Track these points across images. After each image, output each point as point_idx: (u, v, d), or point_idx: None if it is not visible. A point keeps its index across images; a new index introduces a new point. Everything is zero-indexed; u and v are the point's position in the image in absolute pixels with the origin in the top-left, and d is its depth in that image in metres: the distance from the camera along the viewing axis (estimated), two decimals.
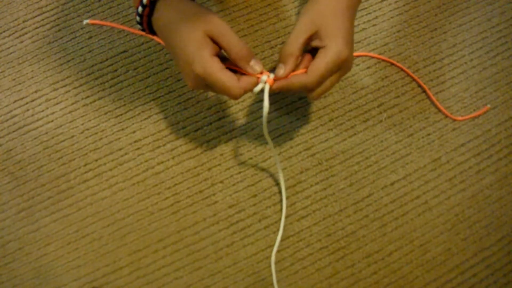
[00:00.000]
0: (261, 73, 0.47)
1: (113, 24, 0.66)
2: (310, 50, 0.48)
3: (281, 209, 0.60)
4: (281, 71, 0.47)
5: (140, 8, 0.47)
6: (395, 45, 0.66)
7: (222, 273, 0.58)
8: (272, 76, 0.47)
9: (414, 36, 0.67)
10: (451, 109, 0.64)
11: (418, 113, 0.64)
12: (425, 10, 0.68)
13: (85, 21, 0.65)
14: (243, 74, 0.47)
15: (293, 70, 0.47)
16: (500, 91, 0.65)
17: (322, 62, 0.45)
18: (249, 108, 0.63)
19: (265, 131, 0.51)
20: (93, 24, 0.66)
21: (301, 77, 0.46)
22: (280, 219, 0.60)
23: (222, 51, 0.47)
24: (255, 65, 0.47)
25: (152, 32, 0.50)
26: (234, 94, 0.45)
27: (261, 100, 0.64)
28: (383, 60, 0.66)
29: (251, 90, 0.47)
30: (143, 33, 0.66)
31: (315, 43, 0.47)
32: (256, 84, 0.47)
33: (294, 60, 0.46)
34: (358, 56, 0.66)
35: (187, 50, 0.45)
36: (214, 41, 0.46)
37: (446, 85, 0.65)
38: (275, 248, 0.58)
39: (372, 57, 0.66)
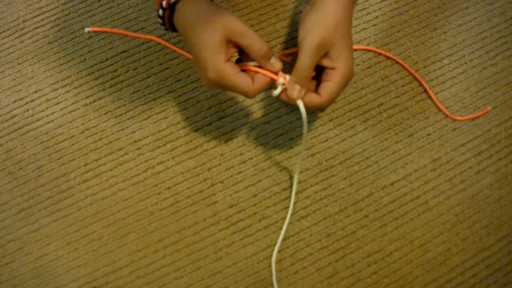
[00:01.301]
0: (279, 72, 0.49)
1: (115, 30, 0.65)
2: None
3: (281, 209, 0.60)
4: (296, 93, 0.48)
5: (160, 11, 0.48)
6: (395, 45, 0.66)
7: (222, 273, 0.58)
8: (288, 77, 0.48)
9: (414, 36, 0.67)
10: (451, 109, 0.64)
11: (418, 113, 0.64)
12: (425, 10, 0.68)
13: (86, 29, 0.65)
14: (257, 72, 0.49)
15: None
16: (500, 91, 0.65)
17: (336, 85, 0.47)
18: (249, 108, 0.63)
19: (304, 141, 0.53)
20: (95, 31, 0.66)
21: (316, 98, 0.48)
22: (280, 219, 0.60)
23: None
24: (275, 63, 0.48)
25: (176, 30, 0.51)
26: (250, 94, 0.48)
27: (262, 100, 0.64)
28: (387, 57, 0.66)
29: (266, 88, 0.48)
30: (142, 35, 0.66)
31: (325, 63, 0.48)
32: (271, 82, 0.49)
33: (308, 81, 0.48)
34: (361, 50, 0.66)
35: (202, 55, 0.46)
36: (234, 43, 0.47)
37: (446, 85, 0.65)
38: (276, 248, 0.58)
39: (378, 53, 0.66)
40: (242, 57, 0.50)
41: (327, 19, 0.47)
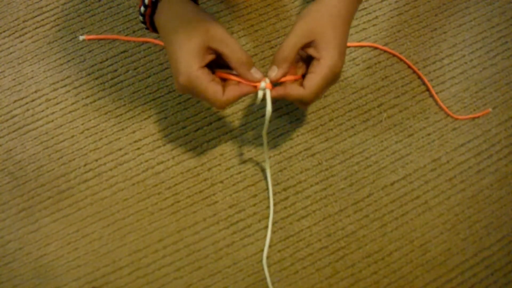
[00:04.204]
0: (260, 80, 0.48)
1: (109, 36, 0.65)
2: (305, 57, 0.49)
3: (281, 209, 0.60)
4: (273, 73, 0.47)
5: (142, 8, 0.47)
6: (395, 45, 0.66)
7: (222, 273, 0.58)
8: (267, 80, 0.48)
9: (414, 36, 0.67)
10: (451, 109, 0.64)
11: (418, 113, 0.64)
12: (425, 10, 0.68)
13: (81, 37, 0.64)
14: (233, 83, 0.47)
15: (285, 75, 0.48)
16: (500, 91, 0.65)
17: (319, 77, 0.46)
18: (249, 108, 0.63)
19: (264, 133, 0.52)
20: (89, 40, 0.65)
21: (298, 90, 0.47)
22: (280, 218, 0.60)
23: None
24: (255, 73, 0.47)
25: (156, 31, 0.50)
26: (217, 105, 0.46)
27: (262, 100, 0.64)
28: (392, 54, 0.66)
29: (235, 101, 0.47)
30: (140, 38, 0.66)
31: (310, 52, 0.47)
32: (247, 93, 0.47)
33: (287, 65, 0.47)
34: (364, 46, 0.66)
35: (177, 58, 0.45)
36: (213, 50, 0.46)
37: (446, 85, 0.65)
38: (265, 249, 0.58)
39: (382, 50, 0.66)
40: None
41: (323, 7, 0.46)
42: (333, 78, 0.47)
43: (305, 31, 0.46)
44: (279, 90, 0.48)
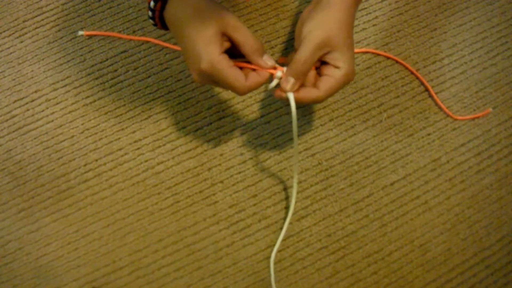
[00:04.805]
0: (274, 68, 0.48)
1: (108, 33, 0.65)
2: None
3: (281, 209, 0.60)
4: (289, 85, 0.47)
5: (152, 3, 0.47)
6: (395, 45, 0.66)
7: (222, 273, 0.58)
8: (284, 70, 0.48)
9: (414, 36, 0.67)
10: (451, 109, 0.64)
11: (418, 113, 0.64)
12: (425, 10, 0.68)
13: (80, 32, 0.64)
14: (251, 71, 0.48)
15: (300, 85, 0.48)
16: (500, 91, 0.65)
17: (336, 83, 0.47)
18: (249, 108, 0.63)
19: (295, 135, 0.51)
20: (88, 35, 0.65)
21: (313, 93, 0.47)
22: (280, 219, 0.60)
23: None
24: (267, 60, 0.47)
25: (164, 27, 0.50)
26: (241, 91, 0.46)
27: (262, 101, 0.64)
28: (387, 57, 0.66)
29: (257, 88, 0.47)
30: (140, 38, 0.66)
31: (327, 59, 0.47)
32: (266, 79, 0.47)
33: (305, 77, 0.48)
34: (362, 53, 0.66)
35: (196, 46, 0.45)
36: (228, 36, 0.46)
37: (446, 85, 0.65)
38: (275, 248, 0.58)
39: (378, 54, 0.66)
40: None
41: (332, 19, 0.47)
42: (347, 84, 0.49)
43: (321, 43, 0.46)
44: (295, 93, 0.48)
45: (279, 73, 0.47)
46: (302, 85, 0.48)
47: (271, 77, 0.48)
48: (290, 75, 0.47)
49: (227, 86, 0.46)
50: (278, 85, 0.48)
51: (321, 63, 0.49)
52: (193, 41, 0.45)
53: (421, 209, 0.60)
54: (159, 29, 0.51)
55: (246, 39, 0.46)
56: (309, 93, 0.47)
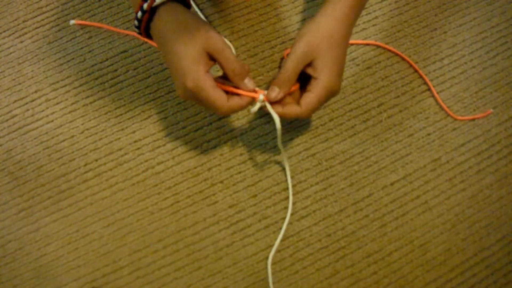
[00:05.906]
0: (255, 91, 0.49)
1: (100, 25, 0.65)
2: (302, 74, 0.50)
3: (281, 209, 0.60)
4: (274, 94, 0.49)
5: (139, 14, 0.47)
6: (395, 45, 0.66)
7: (222, 273, 0.58)
8: (265, 92, 0.49)
9: (414, 36, 0.67)
10: (451, 109, 0.64)
11: (418, 113, 0.64)
12: (425, 10, 0.68)
13: (71, 21, 0.64)
14: (233, 94, 0.49)
15: (285, 95, 0.49)
16: (500, 91, 0.65)
17: (315, 97, 0.48)
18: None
19: (279, 142, 0.54)
20: (79, 25, 0.66)
21: (295, 109, 0.49)
22: (280, 218, 0.60)
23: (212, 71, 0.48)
24: (248, 83, 0.49)
25: (149, 36, 0.50)
26: (222, 111, 0.47)
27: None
28: (394, 53, 0.66)
29: (238, 110, 0.49)
30: (139, 36, 0.66)
31: (309, 71, 0.49)
32: (247, 103, 0.49)
33: (289, 86, 0.49)
34: (368, 45, 0.66)
35: (182, 63, 0.46)
36: (211, 57, 0.47)
37: (446, 85, 0.65)
38: (273, 249, 0.58)
39: (384, 49, 0.66)
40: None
41: (318, 29, 0.48)
42: (330, 96, 0.49)
43: (304, 53, 0.47)
44: (277, 109, 0.50)
45: (261, 96, 0.49)
46: (288, 103, 0.50)
47: (254, 101, 0.50)
48: (275, 85, 0.49)
49: (208, 105, 0.47)
50: (261, 109, 0.50)
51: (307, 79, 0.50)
52: (179, 58, 0.46)
53: (421, 209, 0.60)
54: (142, 38, 0.51)
55: (228, 63, 0.47)
56: (290, 109, 0.49)
